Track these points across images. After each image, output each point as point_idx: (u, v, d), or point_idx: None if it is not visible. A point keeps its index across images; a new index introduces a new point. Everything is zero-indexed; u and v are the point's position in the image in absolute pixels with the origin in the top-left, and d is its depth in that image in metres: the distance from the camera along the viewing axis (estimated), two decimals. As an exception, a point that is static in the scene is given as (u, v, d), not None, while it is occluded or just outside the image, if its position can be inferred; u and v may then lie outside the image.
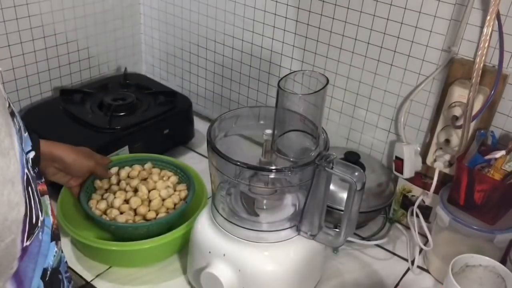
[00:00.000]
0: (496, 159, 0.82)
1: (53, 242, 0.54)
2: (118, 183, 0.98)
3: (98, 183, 0.97)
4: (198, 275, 0.79)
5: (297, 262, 0.79)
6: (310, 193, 0.75)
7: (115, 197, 0.93)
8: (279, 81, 0.68)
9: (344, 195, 0.82)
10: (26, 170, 0.44)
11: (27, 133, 0.54)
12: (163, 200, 0.95)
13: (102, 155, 1.01)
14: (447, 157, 0.92)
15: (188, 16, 1.27)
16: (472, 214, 0.84)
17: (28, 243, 0.43)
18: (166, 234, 0.86)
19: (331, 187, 0.79)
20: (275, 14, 1.10)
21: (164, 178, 0.99)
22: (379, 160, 1.07)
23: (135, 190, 0.96)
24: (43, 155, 0.85)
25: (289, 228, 0.79)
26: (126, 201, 0.93)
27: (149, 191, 0.95)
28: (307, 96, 0.70)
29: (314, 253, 0.82)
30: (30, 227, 0.43)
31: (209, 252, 0.78)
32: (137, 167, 1.01)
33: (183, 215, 0.91)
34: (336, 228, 0.92)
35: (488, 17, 0.78)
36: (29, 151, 0.55)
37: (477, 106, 0.84)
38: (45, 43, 1.19)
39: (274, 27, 1.12)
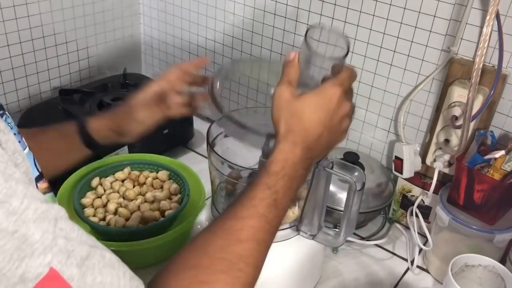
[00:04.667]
0: (495, 159, 0.82)
1: None
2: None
3: (94, 182, 0.95)
4: (197, 275, 0.79)
5: (296, 262, 0.79)
6: (309, 193, 0.75)
7: (108, 201, 0.92)
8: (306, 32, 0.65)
9: (344, 195, 0.82)
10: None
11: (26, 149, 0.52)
12: (158, 206, 0.92)
13: (104, 155, 1.01)
14: (446, 157, 0.92)
15: (187, 16, 1.27)
16: (472, 214, 0.84)
17: None
18: (165, 234, 0.86)
19: (331, 187, 0.79)
20: (274, 14, 1.10)
21: (159, 187, 0.98)
22: (378, 160, 1.07)
23: (130, 197, 0.94)
24: (97, 138, 0.84)
25: (288, 228, 0.79)
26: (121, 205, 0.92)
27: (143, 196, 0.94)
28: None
29: (313, 253, 0.82)
30: None
31: (209, 252, 0.78)
32: (134, 174, 0.98)
33: (175, 220, 0.90)
34: (336, 228, 0.92)
35: (488, 17, 0.78)
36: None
37: (477, 106, 0.84)
38: (44, 43, 1.18)
39: (273, 27, 1.12)
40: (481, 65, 0.80)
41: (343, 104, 0.62)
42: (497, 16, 0.80)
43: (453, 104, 0.88)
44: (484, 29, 0.79)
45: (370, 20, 0.97)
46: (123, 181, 0.97)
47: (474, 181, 0.82)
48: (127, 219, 0.89)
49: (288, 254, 0.78)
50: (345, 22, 1.00)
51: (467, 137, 0.86)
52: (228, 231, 0.54)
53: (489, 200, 0.81)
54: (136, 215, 0.89)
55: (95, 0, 1.25)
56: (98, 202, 0.92)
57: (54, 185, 0.99)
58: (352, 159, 0.95)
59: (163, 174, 0.98)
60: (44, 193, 0.55)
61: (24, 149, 0.50)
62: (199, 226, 0.82)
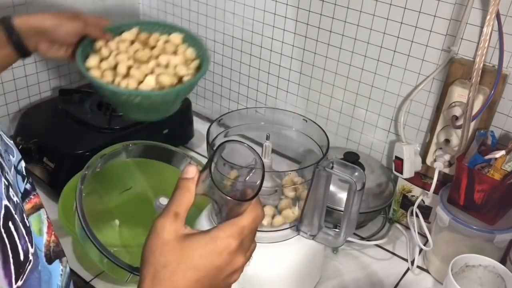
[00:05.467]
0: (496, 159, 0.82)
1: (56, 261, 0.51)
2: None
3: (99, 44, 0.80)
4: (197, 275, 0.79)
5: (296, 262, 0.79)
6: (310, 193, 0.75)
7: (117, 63, 0.77)
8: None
9: (344, 195, 0.82)
10: (5, 202, 0.39)
11: (11, 141, 0.50)
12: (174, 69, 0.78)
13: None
14: (447, 157, 0.92)
15: (187, 16, 1.27)
16: (472, 214, 0.84)
17: (20, 283, 0.39)
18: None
19: (331, 187, 0.79)
20: (274, 14, 1.10)
21: (172, 52, 0.82)
22: (378, 160, 1.07)
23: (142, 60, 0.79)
24: (21, 30, 0.74)
25: (288, 228, 0.79)
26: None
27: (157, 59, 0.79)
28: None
29: (313, 253, 0.82)
30: (18, 267, 0.39)
31: (209, 252, 0.78)
32: (143, 35, 0.82)
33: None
34: (336, 228, 0.92)
35: (488, 17, 0.78)
36: (20, 160, 0.51)
37: (477, 106, 0.84)
38: (44, 43, 1.18)
39: (273, 26, 1.12)
40: (481, 65, 0.80)
41: (235, 260, 0.50)
42: (497, 16, 0.80)
43: (453, 104, 0.88)
44: (485, 29, 0.79)
45: (370, 20, 0.97)
46: (132, 42, 0.82)
47: (475, 181, 0.82)
48: (140, 83, 0.76)
49: (288, 254, 0.78)
50: (345, 22, 1.00)
51: (468, 137, 0.86)
52: None
53: (489, 200, 0.81)
54: (151, 78, 0.75)
55: (95, 0, 1.25)
56: (104, 64, 0.78)
57: (55, 187, 1.00)
58: (352, 159, 0.95)
59: (176, 37, 0.83)
60: (29, 214, 0.50)
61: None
62: (199, 227, 0.82)
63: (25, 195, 0.50)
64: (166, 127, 1.15)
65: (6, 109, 1.18)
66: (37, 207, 0.51)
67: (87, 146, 1.03)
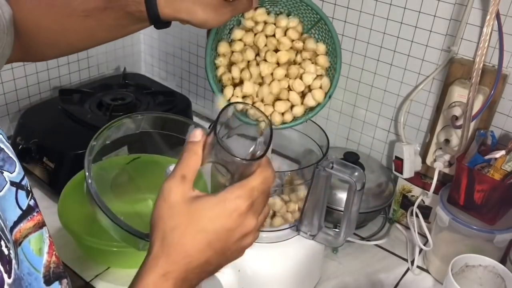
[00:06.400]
0: (496, 159, 0.82)
1: (56, 283, 0.49)
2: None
3: (222, 48, 0.72)
4: (197, 275, 0.79)
5: (296, 262, 0.79)
6: (310, 193, 0.75)
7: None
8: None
9: (344, 195, 0.82)
10: None
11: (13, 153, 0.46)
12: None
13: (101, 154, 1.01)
14: (447, 157, 0.92)
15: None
16: (472, 214, 0.84)
17: None
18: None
19: (331, 187, 0.79)
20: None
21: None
22: (378, 160, 1.07)
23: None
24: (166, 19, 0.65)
25: (288, 228, 0.79)
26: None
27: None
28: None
29: (313, 253, 0.82)
30: None
31: (209, 252, 0.78)
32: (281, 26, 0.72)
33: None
34: (336, 228, 0.92)
35: (488, 17, 0.78)
36: (23, 176, 0.48)
37: (477, 106, 0.84)
38: (44, 43, 1.18)
39: (273, 27, 1.12)
40: (481, 65, 0.80)
41: (246, 222, 0.48)
42: (497, 16, 0.80)
43: (453, 104, 0.87)
44: (484, 29, 0.79)
45: (370, 20, 0.97)
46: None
47: (475, 181, 0.82)
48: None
49: (288, 254, 0.78)
50: (345, 22, 1.00)
51: (468, 137, 0.86)
52: None
53: (489, 200, 0.81)
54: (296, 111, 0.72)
55: (95, 0, 1.25)
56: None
57: (55, 187, 1.00)
58: (352, 159, 0.95)
59: (321, 47, 0.74)
60: (29, 233, 0.47)
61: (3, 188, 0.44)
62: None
63: (28, 211, 0.47)
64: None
65: (6, 109, 1.18)
66: (40, 225, 0.49)
67: (87, 146, 1.02)
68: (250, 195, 0.48)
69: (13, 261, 0.40)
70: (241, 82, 0.72)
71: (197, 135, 0.49)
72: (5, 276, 0.38)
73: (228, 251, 0.49)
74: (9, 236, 0.43)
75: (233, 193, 0.48)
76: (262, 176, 0.49)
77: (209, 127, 0.50)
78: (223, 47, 0.73)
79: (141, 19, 0.64)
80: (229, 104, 0.52)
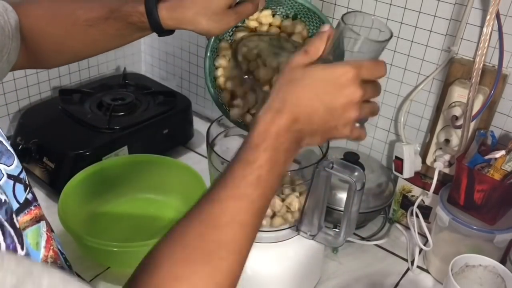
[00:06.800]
0: (496, 159, 0.82)
1: None
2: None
3: (223, 45, 0.72)
4: (197, 276, 0.79)
5: (296, 262, 0.79)
6: (309, 193, 0.75)
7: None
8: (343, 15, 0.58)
9: (344, 195, 0.82)
10: None
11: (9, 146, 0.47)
12: None
13: (101, 155, 1.01)
14: (447, 157, 0.92)
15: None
16: (472, 214, 0.84)
17: None
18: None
19: (331, 187, 0.79)
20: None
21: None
22: (378, 160, 1.07)
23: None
24: (167, 27, 0.67)
25: (288, 228, 0.79)
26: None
27: None
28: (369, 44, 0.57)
29: (313, 253, 0.82)
30: None
31: (209, 252, 0.78)
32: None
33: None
34: (336, 228, 0.92)
35: (488, 17, 0.78)
36: (21, 170, 0.48)
37: (477, 106, 0.84)
38: (44, 43, 1.18)
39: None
40: (481, 65, 0.80)
41: (350, 88, 0.52)
42: (497, 16, 0.80)
43: (453, 104, 0.87)
44: (484, 29, 0.79)
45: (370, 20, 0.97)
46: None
47: (475, 181, 0.82)
48: None
49: (288, 254, 0.79)
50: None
51: (468, 137, 0.86)
52: (206, 216, 0.48)
53: (489, 200, 0.81)
54: None
55: (95, 0, 1.25)
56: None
57: (55, 187, 1.00)
58: (352, 159, 0.95)
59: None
60: (26, 226, 0.48)
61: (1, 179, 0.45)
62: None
63: (26, 205, 0.48)
64: (166, 127, 1.15)
65: (6, 109, 1.18)
66: (37, 219, 0.49)
67: (87, 146, 1.03)
68: (358, 67, 0.53)
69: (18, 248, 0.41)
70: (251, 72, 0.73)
71: (326, 27, 0.56)
72: (18, 246, 0.39)
73: (335, 112, 0.53)
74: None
75: (346, 63, 0.54)
76: (375, 62, 0.55)
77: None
78: (223, 51, 0.74)
79: (143, 28, 0.67)
80: (353, 11, 0.60)
